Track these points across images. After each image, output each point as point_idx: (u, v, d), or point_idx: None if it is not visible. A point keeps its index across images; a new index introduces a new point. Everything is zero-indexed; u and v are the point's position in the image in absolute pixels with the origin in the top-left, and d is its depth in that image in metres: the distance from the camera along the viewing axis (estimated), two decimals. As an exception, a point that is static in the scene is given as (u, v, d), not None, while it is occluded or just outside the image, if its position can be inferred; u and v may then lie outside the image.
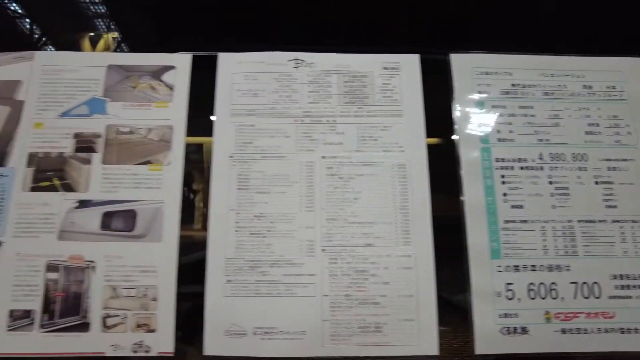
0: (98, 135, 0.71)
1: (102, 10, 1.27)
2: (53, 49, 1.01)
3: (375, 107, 0.73)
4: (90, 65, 0.74)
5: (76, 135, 0.71)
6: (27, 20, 1.30)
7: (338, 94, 0.73)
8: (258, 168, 0.70)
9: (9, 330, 0.65)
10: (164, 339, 0.65)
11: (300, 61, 0.74)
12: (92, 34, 1.05)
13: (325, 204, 0.68)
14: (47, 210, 0.68)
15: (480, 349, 0.65)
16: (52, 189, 0.69)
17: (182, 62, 0.74)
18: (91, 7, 1.29)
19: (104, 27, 1.23)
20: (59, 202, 0.68)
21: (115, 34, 0.91)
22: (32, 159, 0.70)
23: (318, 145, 0.71)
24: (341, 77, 0.74)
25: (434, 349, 0.65)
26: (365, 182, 0.69)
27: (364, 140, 0.71)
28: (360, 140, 0.71)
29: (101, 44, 1.06)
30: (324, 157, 0.70)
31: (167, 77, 0.74)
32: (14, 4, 1.26)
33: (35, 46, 1.24)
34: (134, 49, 0.93)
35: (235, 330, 0.65)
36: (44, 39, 1.26)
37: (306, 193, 0.69)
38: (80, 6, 1.28)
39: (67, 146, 0.70)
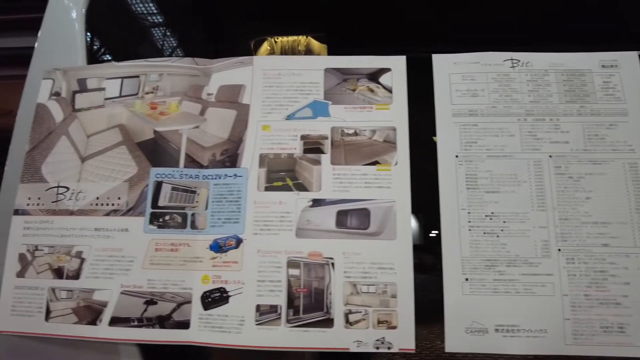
0: (325, 137, 0.73)
1: (160, 20, 1.30)
2: (111, 59, 1.02)
3: (598, 105, 0.72)
4: (308, 68, 0.77)
5: (303, 137, 0.73)
6: (88, 34, 1.34)
7: (558, 93, 0.73)
8: (485, 167, 0.70)
9: (257, 324, 0.67)
10: (405, 336, 0.66)
11: (516, 61, 0.74)
12: (256, 39, 1.08)
13: (557, 204, 0.68)
14: (283, 209, 0.71)
15: None
16: (286, 188, 0.71)
17: (397, 64, 0.75)
18: (149, 18, 1.33)
19: (160, 35, 1.26)
20: (294, 200, 0.71)
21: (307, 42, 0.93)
22: (263, 159, 0.73)
23: (544, 144, 0.71)
24: (559, 75, 0.73)
25: (681, 351, 0.64)
26: (595, 181, 0.69)
27: (590, 138, 0.70)
28: (587, 139, 0.70)
29: (265, 46, 1.09)
30: (551, 156, 0.70)
31: (384, 79, 0.75)
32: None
33: (96, 57, 1.28)
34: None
35: (476, 327, 0.66)
36: (102, 49, 1.29)
37: (536, 192, 0.69)
38: (138, 17, 1.31)
39: (295, 147, 0.73)
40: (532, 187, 0.69)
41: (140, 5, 0.91)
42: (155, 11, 0.92)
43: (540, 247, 0.67)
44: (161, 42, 0.92)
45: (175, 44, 0.94)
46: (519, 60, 0.75)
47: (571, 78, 0.74)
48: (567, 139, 0.71)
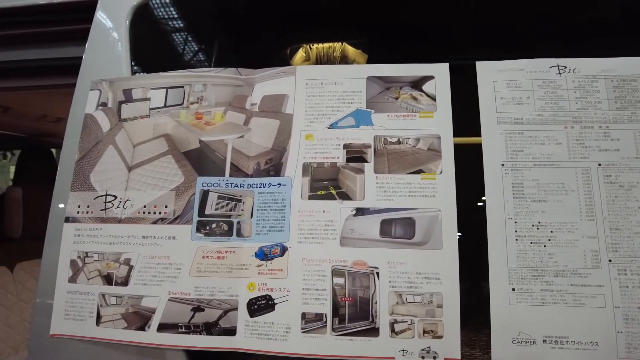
0: (368, 146, 0.73)
1: (199, 30, 1.31)
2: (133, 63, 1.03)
3: (650, 112, 0.70)
4: (350, 77, 0.77)
5: (346, 146, 0.74)
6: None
7: (607, 99, 0.71)
8: (532, 176, 0.69)
9: (303, 332, 0.68)
10: (451, 346, 0.66)
11: (562, 67, 0.73)
12: (292, 46, 1.09)
13: (607, 213, 0.67)
14: (327, 218, 0.71)
15: None
16: (330, 197, 0.72)
17: (440, 72, 0.75)
18: (170, 23, 1.34)
19: (181, 41, 1.26)
20: (338, 209, 0.71)
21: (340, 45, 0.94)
22: (307, 168, 0.73)
23: (592, 153, 0.69)
24: (609, 82, 0.72)
25: None
26: (648, 190, 0.67)
27: (642, 146, 0.69)
28: (639, 147, 0.69)
29: (300, 53, 1.10)
30: (600, 165, 0.68)
31: (427, 87, 0.75)
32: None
33: (139, 68, 1.29)
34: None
35: (523, 338, 0.65)
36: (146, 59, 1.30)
37: (585, 202, 0.68)
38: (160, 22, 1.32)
39: (338, 156, 0.73)
40: (580, 196, 0.68)
41: (180, 15, 0.93)
42: (194, 22, 0.94)
43: (589, 258, 0.66)
44: (201, 52, 0.94)
45: (215, 55, 0.95)
46: (566, 67, 0.73)
47: (622, 84, 0.72)
48: (618, 146, 0.69)
